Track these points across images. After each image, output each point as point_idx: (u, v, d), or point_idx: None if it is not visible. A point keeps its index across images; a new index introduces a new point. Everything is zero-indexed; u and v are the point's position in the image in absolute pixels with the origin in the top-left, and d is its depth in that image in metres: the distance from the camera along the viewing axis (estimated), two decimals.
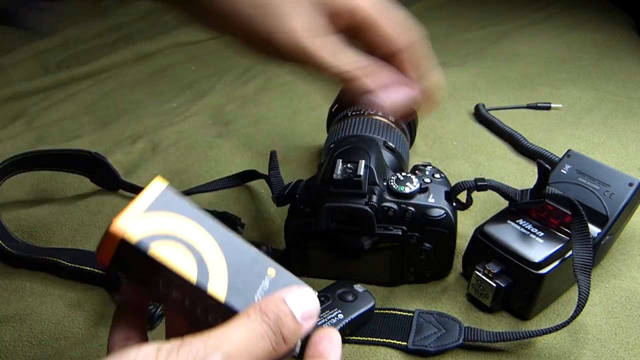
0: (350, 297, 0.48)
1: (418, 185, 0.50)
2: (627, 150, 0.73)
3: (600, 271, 0.54)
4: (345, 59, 0.36)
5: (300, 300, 0.27)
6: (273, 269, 0.29)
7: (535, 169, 0.48)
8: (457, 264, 0.55)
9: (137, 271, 0.27)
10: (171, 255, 0.26)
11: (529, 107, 0.84)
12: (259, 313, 0.26)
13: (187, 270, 0.26)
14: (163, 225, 0.27)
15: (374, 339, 0.48)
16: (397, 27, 0.38)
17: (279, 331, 0.26)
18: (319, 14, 0.35)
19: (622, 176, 0.53)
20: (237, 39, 0.36)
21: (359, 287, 0.49)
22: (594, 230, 0.51)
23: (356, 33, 0.37)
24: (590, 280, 0.46)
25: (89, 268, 0.54)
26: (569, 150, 0.56)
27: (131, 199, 0.66)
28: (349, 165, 0.49)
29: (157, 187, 0.28)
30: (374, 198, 0.49)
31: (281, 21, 0.34)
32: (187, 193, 0.67)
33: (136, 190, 0.66)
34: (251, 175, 0.67)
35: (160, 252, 0.26)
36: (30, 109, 0.91)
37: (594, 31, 1.11)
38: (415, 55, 0.39)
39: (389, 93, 0.37)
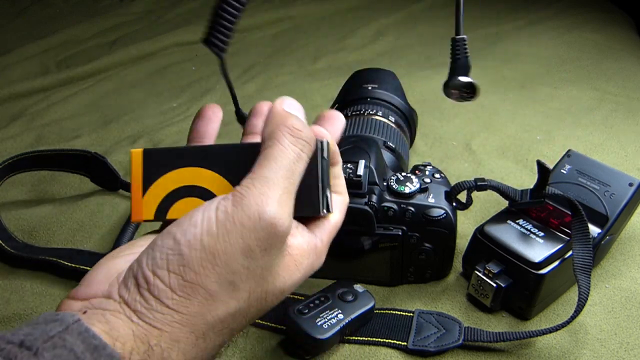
0: (350, 297, 0.48)
1: (418, 185, 0.50)
2: (627, 150, 0.73)
3: (600, 271, 0.54)
4: None
5: (289, 102, 0.31)
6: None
7: (535, 169, 0.48)
8: (457, 264, 0.55)
9: None
10: (184, 209, 0.29)
11: None
12: (274, 138, 0.29)
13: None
14: (163, 190, 0.30)
15: (374, 339, 0.48)
16: None
17: (295, 136, 0.29)
18: None
19: (622, 176, 0.53)
20: None
21: (359, 287, 0.49)
22: (594, 230, 0.51)
23: None
24: (590, 280, 0.46)
25: (89, 268, 0.54)
26: (569, 150, 0.56)
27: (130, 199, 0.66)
28: (349, 165, 0.49)
29: (137, 158, 0.31)
30: (374, 198, 0.49)
31: None
32: None
33: None
34: None
35: (175, 212, 0.30)
36: (30, 109, 0.91)
37: (594, 31, 1.11)
38: None
39: None
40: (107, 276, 0.28)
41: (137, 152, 0.31)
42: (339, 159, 0.33)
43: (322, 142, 0.30)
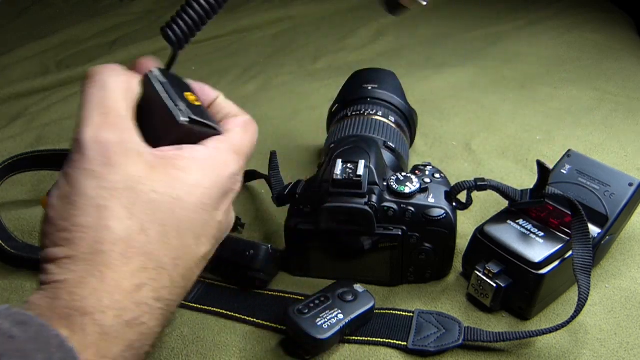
0: (350, 297, 0.48)
1: (418, 185, 0.50)
2: (627, 150, 0.73)
3: (600, 271, 0.54)
4: None
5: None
6: None
7: (535, 169, 0.48)
8: (457, 264, 0.55)
9: None
10: None
11: None
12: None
13: None
14: None
15: (374, 339, 0.48)
16: None
17: (87, 77, 0.32)
18: None
19: (622, 176, 0.53)
20: None
21: (359, 287, 0.49)
22: (594, 230, 0.51)
23: None
24: (590, 280, 0.46)
25: None
26: (569, 150, 0.56)
27: None
28: (349, 165, 0.49)
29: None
30: (374, 198, 0.49)
31: None
32: None
33: None
34: (251, 175, 0.67)
35: None
36: (30, 109, 0.91)
37: (594, 31, 1.11)
38: None
39: None
40: None
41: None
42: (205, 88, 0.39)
43: (147, 73, 0.34)
